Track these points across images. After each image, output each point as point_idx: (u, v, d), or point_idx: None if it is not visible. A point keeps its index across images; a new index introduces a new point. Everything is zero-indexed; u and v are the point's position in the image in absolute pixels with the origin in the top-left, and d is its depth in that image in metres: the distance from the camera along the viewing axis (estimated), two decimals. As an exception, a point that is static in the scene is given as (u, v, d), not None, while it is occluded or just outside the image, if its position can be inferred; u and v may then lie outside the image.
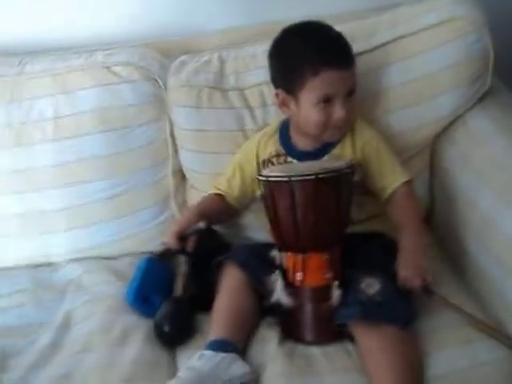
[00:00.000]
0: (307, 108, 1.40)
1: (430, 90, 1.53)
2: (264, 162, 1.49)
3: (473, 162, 1.47)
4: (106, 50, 1.62)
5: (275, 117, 1.56)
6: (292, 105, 1.43)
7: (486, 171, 1.42)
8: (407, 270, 1.28)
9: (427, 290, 1.28)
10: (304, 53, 1.39)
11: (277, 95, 1.45)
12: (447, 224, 1.53)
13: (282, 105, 1.45)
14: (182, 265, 1.50)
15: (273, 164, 1.47)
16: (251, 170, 1.49)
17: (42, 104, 1.57)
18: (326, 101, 1.38)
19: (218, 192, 1.54)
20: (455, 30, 1.52)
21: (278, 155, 1.48)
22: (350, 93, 1.40)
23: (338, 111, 1.38)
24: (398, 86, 1.54)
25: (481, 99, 1.57)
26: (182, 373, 1.22)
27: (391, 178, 1.42)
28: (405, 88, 1.53)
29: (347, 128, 1.44)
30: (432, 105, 1.54)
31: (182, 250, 1.47)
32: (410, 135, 1.55)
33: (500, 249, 1.31)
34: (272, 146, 1.49)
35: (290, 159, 1.47)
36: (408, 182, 1.44)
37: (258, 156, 1.50)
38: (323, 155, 1.44)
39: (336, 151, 1.44)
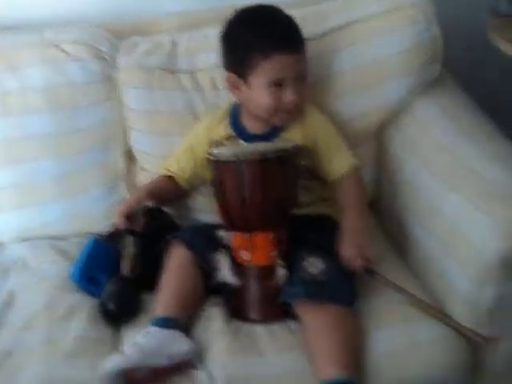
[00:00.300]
0: (258, 92, 1.41)
1: (379, 76, 1.55)
2: (215, 144, 1.49)
3: (419, 148, 1.50)
4: (56, 28, 1.60)
5: (226, 100, 1.56)
6: (243, 88, 1.43)
7: (431, 157, 1.45)
8: (348, 250, 1.31)
9: (369, 270, 1.31)
10: (255, 37, 1.40)
11: (228, 78, 1.46)
12: (393, 209, 1.56)
13: (233, 88, 1.46)
14: (129, 245, 1.50)
15: (224, 146, 1.48)
16: (202, 152, 1.49)
17: (-14, 80, 1.55)
18: (277, 85, 1.39)
19: (169, 173, 1.54)
20: (406, 18, 1.55)
21: (228, 138, 1.48)
22: (301, 77, 1.41)
23: (289, 95, 1.40)
24: (347, 72, 1.56)
25: (428, 87, 1.59)
26: (127, 349, 1.22)
27: (339, 162, 1.44)
28: (354, 74, 1.55)
29: (298, 112, 1.45)
30: (381, 91, 1.56)
31: (130, 230, 1.46)
32: (359, 121, 1.57)
33: (442, 232, 1.35)
34: (223, 129, 1.50)
35: (240, 142, 1.47)
36: (355, 167, 1.46)
37: (208, 138, 1.50)
38: (273, 138, 1.45)
39: (286, 135, 1.45)
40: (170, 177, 1.54)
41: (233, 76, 1.44)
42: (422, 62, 1.55)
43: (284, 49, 1.38)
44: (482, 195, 1.30)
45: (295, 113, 1.45)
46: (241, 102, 1.49)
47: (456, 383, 1.29)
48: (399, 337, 1.28)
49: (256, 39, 1.39)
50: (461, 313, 1.29)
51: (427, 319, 1.30)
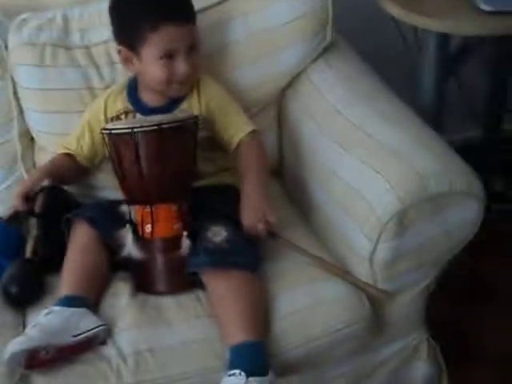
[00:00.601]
0: (150, 64, 1.40)
1: (273, 44, 1.56)
2: (112, 119, 1.47)
3: (316, 112, 1.53)
4: None
5: (123, 75, 1.54)
6: (135, 61, 1.42)
7: (327, 121, 1.49)
8: (250, 215, 1.32)
9: (272, 234, 1.33)
10: (143, 8, 1.39)
11: (119, 52, 1.44)
12: (295, 175, 1.59)
13: (126, 61, 1.44)
14: (31, 227, 1.47)
15: (121, 120, 1.46)
16: (99, 128, 1.47)
17: None
18: (168, 56, 1.38)
19: (67, 151, 1.51)
20: (297, -15, 1.56)
21: (126, 112, 1.47)
22: (192, 48, 1.41)
23: (181, 66, 1.39)
24: (241, 41, 1.56)
25: (323, 53, 1.62)
26: (29, 330, 1.20)
27: (236, 129, 1.45)
28: (248, 43, 1.56)
29: (191, 82, 1.45)
30: (277, 59, 1.57)
31: (31, 212, 1.43)
32: (256, 90, 1.58)
33: (340, 194, 1.38)
34: (120, 103, 1.48)
35: (138, 116, 1.46)
36: (254, 133, 1.46)
37: (106, 114, 1.48)
38: (171, 111, 1.44)
39: (184, 106, 1.45)
40: (69, 155, 1.51)
41: (124, 49, 1.43)
42: (313, 28, 1.57)
43: (172, 20, 1.37)
44: (376, 156, 1.34)
45: (189, 83, 1.44)
46: (135, 76, 1.48)
47: (358, 337, 1.33)
48: (303, 297, 1.31)
49: (144, 11, 1.38)
50: (361, 270, 1.34)
51: (330, 279, 1.34)
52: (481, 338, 1.77)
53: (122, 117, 1.47)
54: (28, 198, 1.41)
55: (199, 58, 1.44)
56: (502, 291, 1.89)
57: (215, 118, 1.46)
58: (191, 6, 1.42)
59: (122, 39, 1.43)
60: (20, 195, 1.40)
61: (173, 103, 1.46)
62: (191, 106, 1.46)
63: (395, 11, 1.65)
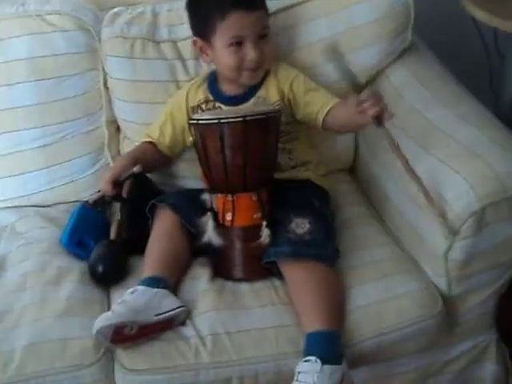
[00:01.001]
0: (220, 52, 1.45)
1: (353, 43, 1.58)
2: (193, 108, 1.53)
3: (394, 112, 1.55)
4: (39, -1, 1.63)
5: (207, 68, 1.60)
6: (209, 51, 1.48)
7: (406, 121, 1.50)
8: (368, 95, 1.26)
9: (379, 121, 1.27)
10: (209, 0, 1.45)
11: (194, 43, 1.51)
12: (371, 173, 1.61)
13: (201, 52, 1.51)
14: (116, 211, 1.55)
15: (202, 110, 1.52)
16: (182, 118, 1.54)
17: (-28, 51, 1.57)
18: (237, 43, 1.43)
19: (150, 140, 1.57)
20: (379, -13, 1.59)
21: (206, 101, 1.53)
22: (262, 35, 1.45)
23: (250, 53, 1.43)
24: (322, 40, 1.59)
25: (401, 54, 1.64)
26: (116, 306, 1.27)
27: (322, 104, 1.45)
28: (327, 43, 1.58)
29: (263, 70, 1.49)
30: (355, 58, 1.58)
31: (117, 197, 1.50)
32: (335, 87, 1.60)
33: (417, 193, 1.39)
34: (201, 94, 1.54)
35: (218, 104, 1.52)
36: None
37: (187, 103, 1.54)
38: (249, 99, 1.49)
39: (261, 93, 1.50)
40: (151, 143, 1.57)
41: (199, 40, 1.49)
42: (393, 30, 1.59)
43: (240, 7, 1.41)
44: (455, 156, 1.36)
45: (260, 71, 1.48)
46: (216, 67, 1.53)
47: (429, 333, 1.35)
48: (377, 291, 1.34)
49: (213, 0, 1.44)
50: (435, 268, 1.36)
51: (402, 274, 1.37)
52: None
53: (203, 106, 1.53)
54: (116, 183, 1.47)
55: (271, 47, 1.48)
56: None
57: (299, 98, 1.48)
58: None
59: (196, 30, 1.50)
60: (109, 181, 1.47)
61: (250, 91, 1.51)
62: (268, 93, 1.50)
63: (477, 13, 1.66)
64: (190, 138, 1.48)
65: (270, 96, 1.49)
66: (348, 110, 1.32)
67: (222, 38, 1.44)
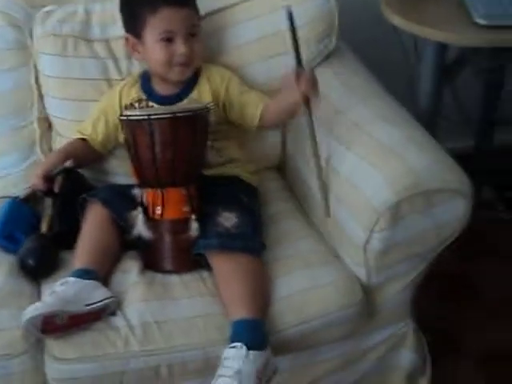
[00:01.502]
0: (151, 47, 1.49)
1: (280, 47, 1.63)
2: (126, 106, 1.57)
3: (318, 111, 1.62)
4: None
5: (139, 67, 1.64)
6: (140, 48, 1.52)
7: (328, 119, 1.57)
8: (304, 72, 1.37)
9: (308, 103, 1.39)
10: None
11: (126, 40, 1.54)
12: (297, 170, 1.68)
13: (133, 50, 1.55)
14: (47, 205, 1.56)
15: (135, 108, 1.55)
16: (114, 115, 1.57)
17: None
18: (168, 38, 1.48)
19: (83, 136, 1.60)
20: (306, -8, 1.66)
21: (139, 100, 1.56)
22: (192, 34, 1.50)
23: (180, 48, 1.48)
24: (252, 43, 1.65)
25: (327, 57, 1.72)
26: (46, 297, 1.30)
27: (255, 104, 1.54)
28: (256, 45, 1.65)
29: (192, 67, 1.53)
30: (281, 61, 1.64)
31: (48, 192, 1.52)
32: (263, 88, 1.65)
33: (339, 189, 1.46)
34: (134, 92, 1.58)
35: (151, 103, 1.56)
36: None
37: (120, 102, 1.58)
38: (183, 99, 1.54)
39: (194, 95, 1.55)
40: (84, 140, 1.60)
41: (130, 37, 1.53)
42: (319, 34, 1.67)
43: (170, 3, 1.47)
44: (374, 153, 1.43)
45: (189, 67, 1.53)
46: (148, 66, 1.57)
47: (350, 321, 1.42)
48: (301, 281, 1.40)
49: None
50: (355, 258, 1.43)
51: (326, 265, 1.44)
52: (465, 335, 1.86)
53: (136, 104, 1.57)
54: (47, 178, 1.49)
55: (200, 45, 1.53)
56: (488, 292, 1.99)
57: (233, 101, 1.55)
58: None
59: (128, 25, 1.53)
60: (41, 176, 1.49)
61: (183, 91, 1.55)
62: (201, 95, 1.55)
63: (396, 20, 1.75)
64: (123, 135, 1.52)
65: (203, 98, 1.54)
66: (283, 86, 1.40)
67: (152, 32, 1.48)
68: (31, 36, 1.63)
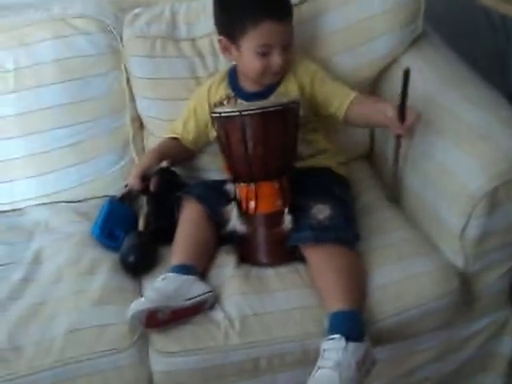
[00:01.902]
0: (248, 56, 1.50)
1: (366, 34, 1.64)
2: (215, 104, 1.59)
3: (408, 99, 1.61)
4: (62, 3, 1.69)
5: (225, 64, 1.66)
6: (233, 51, 1.53)
7: (419, 105, 1.55)
8: (414, 119, 1.36)
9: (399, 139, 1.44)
10: (246, 3, 1.49)
11: (220, 41, 1.55)
12: (387, 158, 1.66)
13: (225, 50, 1.56)
14: (143, 204, 1.62)
15: (224, 106, 1.58)
16: (204, 114, 1.60)
17: (1, 57, 1.65)
18: (265, 51, 1.48)
19: (174, 135, 1.64)
20: (390, -23, 1.64)
21: (228, 97, 1.59)
22: (287, 45, 1.50)
23: (276, 60, 1.48)
24: (337, 32, 1.65)
25: (414, 42, 1.69)
26: (148, 293, 1.34)
27: (341, 98, 1.52)
28: (343, 33, 1.64)
29: (283, 73, 1.54)
30: (370, 47, 1.65)
31: (145, 191, 1.57)
32: (352, 76, 1.65)
33: (433, 175, 1.45)
34: (222, 90, 1.60)
35: (239, 100, 1.58)
36: (356, 97, 1.53)
37: (209, 100, 1.61)
38: (269, 95, 1.55)
39: (281, 90, 1.56)
40: (176, 139, 1.64)
41: (224, 40, 1.53)
42: (404, 19, 1.64)
43: (273, 17, 1.46)
44: (467, 138, 1.41)
45: (281, 73, 1.54)
46: (235, 65, 1.59)
47: (447, 311, 1.41)
48: (396, 271, 1.40)
49: (247, 6, 1.48)
50: (451, 246, 1.41)
51: (420, 256, 1.42)
52: None
53: (225, 102, 1.59)
54: (144, 178, 1.54)
55: (292, 54, 1.53)
56: None
57: (319, 93, 1.55)
58: (290, 5, 1.52)
59: (224, 30, 1.54)
60: (137, 176, 1.55)
61: (270, 88, 1.56)
62: (288, 89, 1.56)
63: (485, 1, 1.70)
64: (214, 133, 1.54)
65: (289, 92, 1.55)
66: (384, 118, 1.39)
67: (251, 43, 1.48)
68: (121, 39, 1.68)
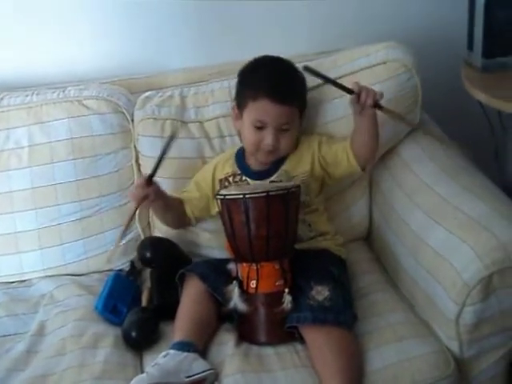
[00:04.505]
0: (246, 126, 1.61)
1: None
2: (221, 180, 1.67)
3: (405, 185, 1.67)
4: (78, 85, 1.78)
5: (231, 146, 1.74)
6: (239, 119, 1.64)
7: (416, 192, 1.62)
8: (357, 90, 1.48)
9: (378, 105, 1.50)
10: (253, 79, 1.62)
11: (232, 108, 1.66)
12: (384, 241, 1.72)
13: (235, 118, 1.66)
14: (146, 279, 1.66)
15: (229, 182, 1.65)
16: (207, 188, 1.67)
17: (18, 134, 1.72)
18: (260, 125, 1.58)
19: (180, 197, 1.69)
20: (389, 71, 1.73)
21: (234, 175, 1.66)
22: (285, 129, 1.59)
23: (267, 138, 1.58)
24: (339, 120, 1.73)
25: (411, 131, 1.77)
26: (149, 369, 1.36)
27: (343, 145, 1.61)
28: (345, 121, 1.70)
29: (278, 156, 1.63)
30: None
31: (148, 263, 1.62)
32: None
33: (429, 261, 1.50)
34: (229, 167, 1.68)
35: (244, 178, 1.65)
36: None
37: (214, 176, 1.68)
38: (274, 173, 1.63)
39: (286, 167, 1.63)
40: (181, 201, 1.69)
41: (235, 107, 1.65)
42: (403, 109, 1.72)
43: (271, 97, 1.56)
44: (463, 227, 1.46)
45: (274, 155, 1.62)
46: (238, 135, 1.69)
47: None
48: (393, 354, 1.42)
49: (253, 81, 1.61)
50: (447, 331, 1.44)
51: (417, 338, 1.45)
52: None
53: (230, 178, 1.66)
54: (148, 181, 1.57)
55: (289, 140, 1.61)
56: None
57: (325, 155, 1.62)
58: (296, 93, 1.62)
59: (236, 98, 1.66)
60: (142, 181, 1.58)
61: (274, 166, 1.64)
62: (292, 166, 1.63)
63: (481, 97, 1.78)
64: (216, 209, 1.59)
65: (294, 169, 1.62)
66: (354, 115, 1.52)
67: (249, 115, 1.60)
68: (132, 120, 1.76)
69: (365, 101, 1.48)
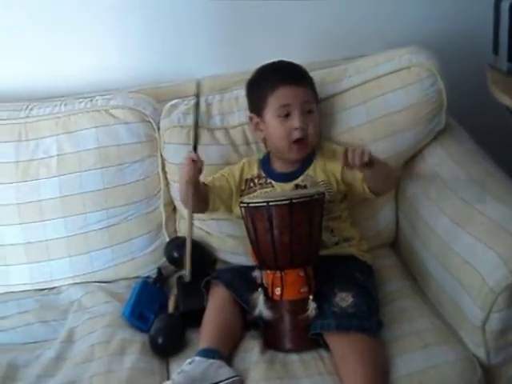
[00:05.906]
0: (271, 124, 1.63)
1: (390, 128, 1.72)
2: (247, 180, 1.69)
3: (431, 190, 1.66)
4: (105, 95, 1.81)
5: (256, 152, 1.76)
6: (262, 126, 1.65)
7: (441, 198, 1.61)
8: (348, 155, 1.45)
9: (368, 164, 1.45)
10: (264, 76, 1.67)
11: (250, 119, 1.68)
12: (410, 247, 1.71)
13: (255, 129, 1.68)
14: (173, 286, 1.68)
15: (254, 183, 1.67)
16: (233, 183, 1.68)
17: (47, 143, 1.75)
18: (284, 114, 1.60)
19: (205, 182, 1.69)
20: (413, 76, 1.72)
21: (259, 177, 1.68)
22: (308, 110, 1.62)
23: (296, 122, 1.60)
24: (362, 125, 1.73)
25: (437, 136, 1.77)
26: (175, 376, 1.38)
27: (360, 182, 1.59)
28: (368, 127, 1.72)
29: (310, 145, 1.64)
30: (393, 141, 1.72)
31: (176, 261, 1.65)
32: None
33: (455, 267, 1.49)
34: (255, 169, 1.70)
35: (269, 180, 1.66)
36: None
37: (242, 174, 1.69)
38: (299, 176, 1.64)
39: (310, 172, 1.64)
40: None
41: (253, 116, 1.67)
42: (427, 114, 1.72)
43: (286, 81, 1.62)
44: (488, 233, 1.45)
45: (307, 144, 1.63)
46: (264, 142, 1.70)
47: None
48: (419, 361, 1.42)
49: (265, 78, 1.67)
50: (473, 338, 1.43)
51: (443, 345, 1.44)
52: None
53: (256, 180, 1.68)
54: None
55: (316, 123, 1.63)
56: None
57: (345, 175, 1.61)
58: (304, 73, 1.67)
59: (251, 107, 1.69)
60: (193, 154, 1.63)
61: (299, 170, 1.65)
62: (316, 171, 1.64)
63: (507, 101, 1.75)
64: (237, 211, 1.60)
65: (318, 174, 1.63)
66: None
67: (271, 109, 1.62)
68: (158, 128, 1.78)
69: (352, 162, 1.45)
